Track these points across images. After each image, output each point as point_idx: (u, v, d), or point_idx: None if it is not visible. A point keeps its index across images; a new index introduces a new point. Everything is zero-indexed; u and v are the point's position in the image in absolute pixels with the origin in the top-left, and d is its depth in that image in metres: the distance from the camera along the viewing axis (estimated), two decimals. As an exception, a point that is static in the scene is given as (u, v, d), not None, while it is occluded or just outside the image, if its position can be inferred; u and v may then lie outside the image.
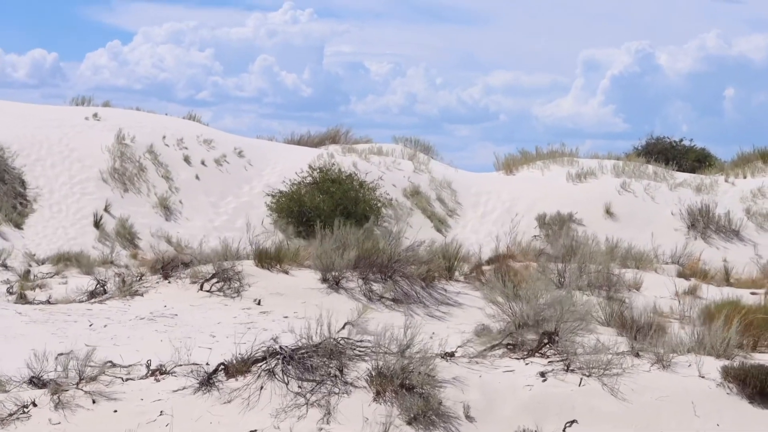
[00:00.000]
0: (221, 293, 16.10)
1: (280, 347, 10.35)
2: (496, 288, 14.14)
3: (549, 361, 10.75)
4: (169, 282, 16.41)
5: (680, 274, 21.12)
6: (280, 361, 10.16)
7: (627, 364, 10.65)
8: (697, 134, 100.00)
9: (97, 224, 27.56)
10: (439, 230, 30.65)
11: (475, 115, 77.13)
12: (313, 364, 10.15)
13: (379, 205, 30.52)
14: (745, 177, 34.99)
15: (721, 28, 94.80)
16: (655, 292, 18.70)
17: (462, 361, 10.62)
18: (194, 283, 16.26)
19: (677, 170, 37.96)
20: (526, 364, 10.76)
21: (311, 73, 74.40)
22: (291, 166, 31.02)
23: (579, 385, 10.24)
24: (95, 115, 31.87)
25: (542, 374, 10.37)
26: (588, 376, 10.37)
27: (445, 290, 17.15)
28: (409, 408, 9.66)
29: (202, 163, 30.61)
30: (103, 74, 70.79)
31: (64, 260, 21.94)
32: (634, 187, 32.68)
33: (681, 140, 40.81)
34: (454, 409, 9.81)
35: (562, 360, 10.62)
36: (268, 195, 29.98)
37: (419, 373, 9.90)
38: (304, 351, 10.26)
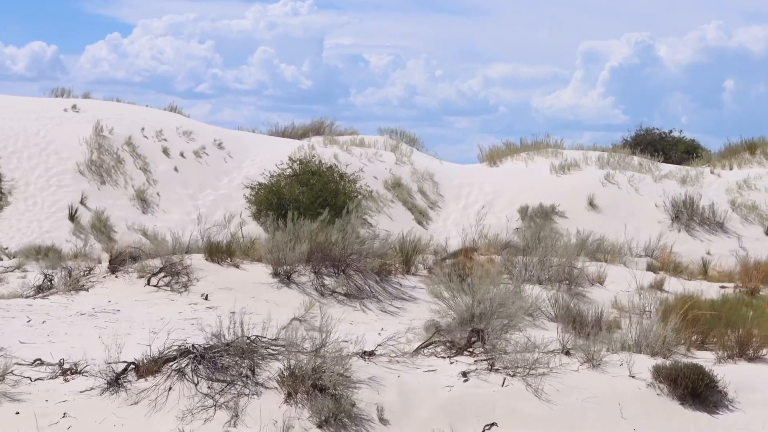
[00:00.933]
0: (168, 288, 15.63)
1: (193, 346, 9.89)
2: (441, 282, 13.65)
3: (476, 360, 10.28)
4: (116, 276, 15.95)
5: (650, 268, 20.60)
6: (191, 360, 9.70)
7: (555, 363, 10.18)
8: (697, 126, 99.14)
9: (72, 217, 27.13)
10: (420, 222, 30.18)
11: (475, 107, 76.63)
12: (224, 363, 9.68)
13: (359, 197, 30.02)
14: (731, 168, 34.43)
15: (721, 20, 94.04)
16: (621, 286, 18.18)
17: (382, 360, 10.16)
18: (141, 277, 15.80)
19: (666, 162, 37.44)
20: (451, 363, 10.29)
21: (311, 65, 74.06)
22: (271, 158, 30.56)
23: (502, 386, 9.77)
24: (74, 106, 31.44)
25: (464, 374, 9.91)
26: (512, 376, 9.90)
27: (401, 285, 16.67)
28: (321, 410, 9.20)
29: (181, 155, 30.16)
30: (103, 67, 70.49)
31: (34, 253, 21.49)
32: (618, 179, 32.15)
33: (671, 131, 40.30)
34: (367, 411, 9.35)
35: (486, 359, 10.14)
36: (247, 187, 29.50)
37: (333, 373, 9.42)
38: (216, 350, 9.79)
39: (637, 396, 9.81)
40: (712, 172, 33.62)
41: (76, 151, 29.05)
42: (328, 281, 16.06)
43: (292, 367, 9.51)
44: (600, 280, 17.98)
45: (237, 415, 9.23)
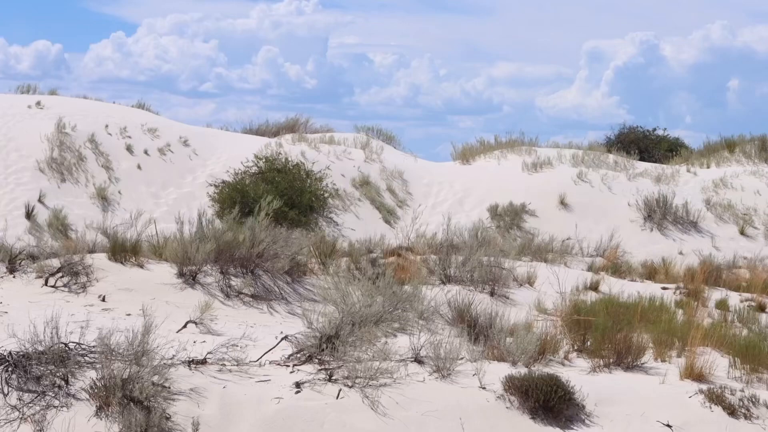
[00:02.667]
0: (66, 289, 14.86)
1: (9, 353, 9.09)
2: (329, 284, 12.84)
3: (320, 370, 9.44)
4: (14, 276, 15.20)
5: (591, 268, 19.70)
6: (2, 369, 8.91)
7: (402, 373, 9.33)
8: (701, 125, 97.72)
9: (29, 215, 26.42)
10: (387, 221, 29.35)
11: (479, 107, 75.66)
12: (38, 372, 8.89)
13: (326, 195, 29.22)
14: (708, 167, 33.41)
15: (726, 19, 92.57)
16: (555, 287, 17.23)
17: (211, 369, 9.33)
18: (40, 277, 15.04)
19: (649, 160, 36.44)
20: (291, 372, 9.45)
21: (315, 64, 73.24)
22: (237, 155, 29.79)
23: (337, 398, 8.93)
24: (38, 103, 30.75)
25: (298, 385, 9.10)
26: (350, 387, 9.07)
27: (314, 286, 15.84)
28: (131, 424, 8.39)
29: (145, 152, 29.43)
30: (107, 66, 69.96)
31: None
32: (590, 177, 31.21)
33: (654, 129, 39.26)
34: (183, 425, 8.54)
35: (323, 369, 9.31)
36: (211, 185, 28.75)
37: (148, 383, 8.62)
38: (31, 358, 8.99)
39: (483, 409, 8.96)
40: (688, 171, 32.63)
41: (37, 148, 28.36)
42: (236, 282, 15.29)
43: (105, 377, 8.71)
44: (530, 281, 17.11)
45: (42, 430, 8.45)
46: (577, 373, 10.15)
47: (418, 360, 9.68)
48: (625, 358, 10.25)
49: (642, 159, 36.59)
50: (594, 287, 17.62)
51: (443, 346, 9.61)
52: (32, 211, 26.45)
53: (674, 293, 18.07)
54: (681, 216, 30.09)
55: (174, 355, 9.28)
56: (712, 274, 19.17)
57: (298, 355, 9.79)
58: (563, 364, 10.41)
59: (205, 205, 28.39)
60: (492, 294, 16.06)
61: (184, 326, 13.04)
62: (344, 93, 76.72)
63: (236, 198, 28.18)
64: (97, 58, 70.46)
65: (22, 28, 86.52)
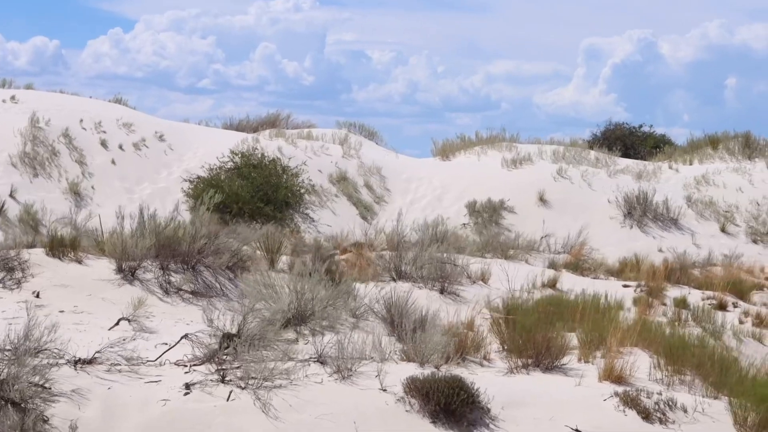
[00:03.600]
0: (1, 285, 14.38)
1: None
2: (257, 281, 12.37)
3: (217, 370, 8.96)
4: (-51, 272, 14.72)
5: (552, 265, 19.19)
6: None
7: (301, 374, 8.84)
8: (699, 123, 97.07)
9: (0, 210, 25.96)
10: (364, 217, 28.84)
11: (477, 104, 75.08)
12: None
13: (302, 191, 28.76)
14: (691, 164, 32.83)
15: (724, 18, 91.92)
16: (512, 284, 16.71)
17: (100, 369, 8.85)
18: (-26, 273, 14.55)
19: (634, 157, 35.87)
20: (187, 372, 8.97)
21: (313, 61, 72.76)
22: (214, 151, 29.33)
23: (227, 400, 8.44)
24: (13, 97, 30.30)
25: (188, 386, 8.61)
26: (243, 389, 8.57)
27: (257, 282, 15.31)
28: (5, 426, 7.91)
29: (120, 147, 28.97)
30: (105, 62, 69.55)
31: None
32: (570, 174, 30.67)
33: (641, 126, 38.68)
34: (60, 428, 8.05)
35: (219, 369, 8.82)
36: (186, 181, 28.30)
37: (27, 384, 8.14)
38: None
39: (381, 412, 8.47)
40: (670, 167, 32.06)
41: (9, 143, 27.91)
42: (176, 278, 14.80)
43: (-19, 378, 8.24)
44: (484, 278, 16.60)
45: None
46: (493, 375, 9.67)
47: (321, 360, 9.19)
48: (544, 359, 9.74)
49: (628, 156, 36.05)
50: (552, 284, 17.11)
51: (347, 346, 9.12)
52: (2, 206, 26.00)
53: (635, 291, 17.56)
54: (661, 213, 29.55)
55: (62, 354, 8.80)
56: (675, 271, 18.62)
57: (198, 355, 9.30)
58: (482, 365, 9.92)
59: (180, 200, 28.03)
60: (442, 291, 15.55)
61: (117, 324, 12.57)
62: (342, 90, 76.27)
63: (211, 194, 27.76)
64: (94, 55, 70.10)
65: (20, 24, 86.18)
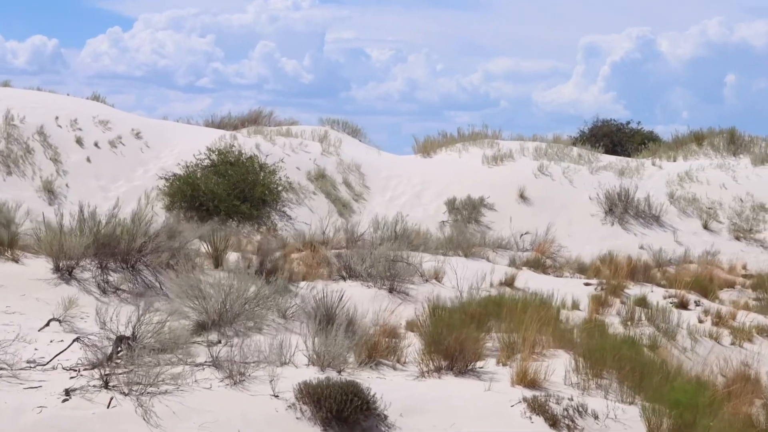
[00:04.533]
0: (-67, 285, 13.89)
1: None
2: (181, 281, 11.86)
3: (102, 375, 8.44)
4: None
5: (513, 263, 18.63)
6: None
7: (190, 379, 8.32)
8: (698, 120, 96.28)
9: (-29, 208, 25.47)
10: (342, 215, 28.28)
11: (476, 102, 74.46)
12: None
13: (279, 188, 28.24)
14: (675, 160, 32.20)
15: (723, 15, 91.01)
16: (465, 282, 16.15)
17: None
18: None
19: (622, 153, 35.28)
20: (72, 377, 8.45)
21: (312, 59, 72.26)
22: (191, 148, 28.82)
23: (108, 407, 7.92)
24: (-12, 95, 29.86)
25: (68, 392, 8.09)
26: (126, 395, 8.05)
27: (201, 282, 14.80)
28: None
29: (96, 144, 28.49)
30: (104, 61, 69.14)
31: None
32: (552, 170, 30.09)
33: (628, 123, 38.05)
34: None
35: (101, 374, 8.30)
36: (162, 178, 27.80)
37: None
38: None
39: (270, 420, 7.95)
40: (653, 164, 31.46)
41: (-17, 141, 27.47)
42: (114, 277, 14.29)
43: None
44: (437, 277, 16.05)
45: None
46: (403, 378, 9.14)
47: (216, 364, 8.67)
48: (458, 362, 9.20)
49: (615, 152, 35.48)
50: (509, 282, 16.57)
51: (241, 349, 8.60)
52: (-26, 204, 25.53)
53: (595, 289, 17.00)
54: (643, 210, 28.97)
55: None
56: (639, 269, 18.04)
57: (92, 359, 8.79)
58: (395, 368, 9.38)
59: (156, 198, 27.58)
60: (391, 290, 15.02)
61: (47, 324, 12.09)
62: (341, 88, 75.73)
63: (187, 191, 27.29)
64: (93, 54, 69.69)
65: (19, 24, 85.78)
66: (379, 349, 9.46)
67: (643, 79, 71.93)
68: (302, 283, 15.35)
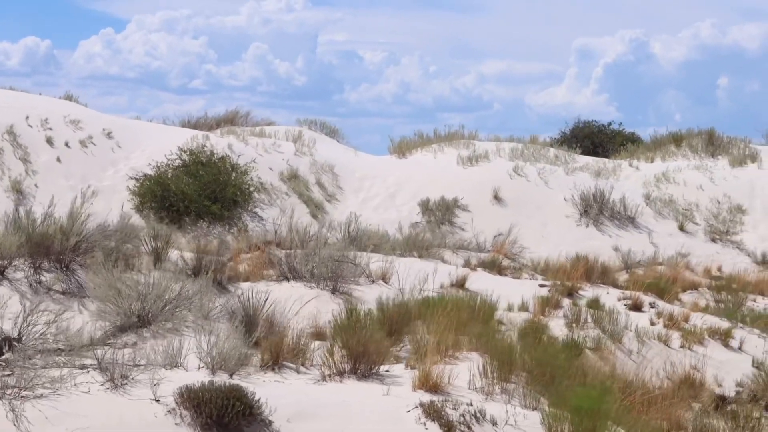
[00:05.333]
0: None
1: None
2: (99, 281, 11.45)
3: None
4: None
5: (466, 263, 18.19)
6: None
7: (70, 382, 7.89)
8: (690, 123, 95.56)
9: (-63, 208, 25.09)
10: (315, 216, 27.84)
11: (469, 104, 74.02)
12: None
13: (251, 189, 27.81)
14: (653, 161, 31.74)
15: (716, 17, 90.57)
16: (417, 283, 15.66)
17: None
18: None
19: (603, 154, 34.84)
20: (-50, 381, 8.02)
21: (305, 61, 71.89)
22: (163, 148, 28.38)
23: (-24, 411, 7.49)
24: (-41, 95, 29.49)
25: (-65, 397, 7.65)
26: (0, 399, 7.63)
27: (139, 282, 14.37)
28: None
29: (66, 144, 28.10)
30: (96, 62, 68.77)
31: None
32: (527, 171, 29.64)
33: (610, 124, 37.60)
34: None
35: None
36: (132, 178, 27.36)
37: None
38: None
39: (147, 425, 7.53)
40: (630, 165, 31.01)
41: (-49, 140, 27.09)
42: (47, 277, 13.89)
43: None
44: (385, 278, 15.62)
45: None
46: (304, 383, 8.71)
47: (102, 368, 8.25)
48: (361, 366, 8.77)
49: (596, 153, 35.05)
50: (460, 284, 16.13)
51: (133, 351, 8.18)
52: (-60, 204, 25.15)
53: (549, 291, 16.54)
54: (618, 211, 28.53)
55: None
56: (596, 270, 17.59)
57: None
58: (298, 372, 8.95)
59: (126, 198, 27.16)
60: (334, 291, 14.59)
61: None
62: (334, 90, 75.34)
63: (157, 192, 26.88)
64: (86, 55, 69.34)
65: (12, 25, 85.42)
66: (284, 352, 9.03)
67: (636, 81, 71.53)
68: (244, 284, 14.95)
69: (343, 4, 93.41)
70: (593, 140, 35.75)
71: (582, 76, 73.82)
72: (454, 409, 7.92)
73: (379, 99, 75.14)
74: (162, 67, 70.40)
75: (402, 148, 31.71)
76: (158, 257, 15.15)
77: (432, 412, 7.85)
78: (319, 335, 11.18)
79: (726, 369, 13.99)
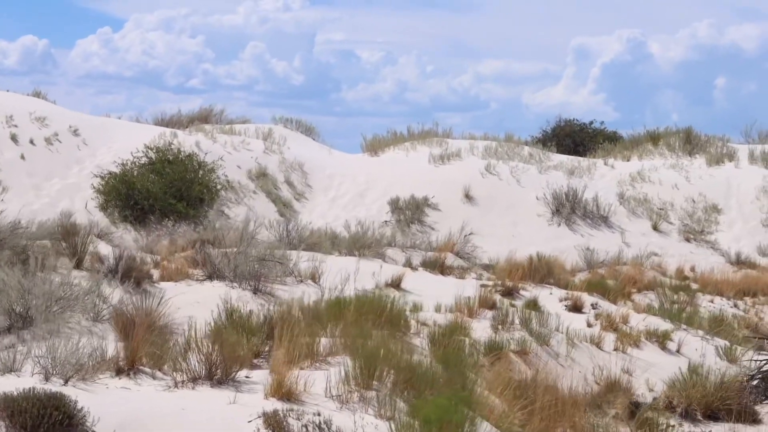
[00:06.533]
0: None
1: None
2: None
3: None
4: None
5: (407, 263, 17.50)
6: None
7: None
8: (688, 123, 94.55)
9: None
10: (282, 215, 27.19)
11: (466, 104, 73.19)
12: None
13: (218, 187, 27.16)
14: (628, 160, 30.98)
15: (714, 18, 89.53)
16: (349, 282, 14.95)
17: None
18: None
19: (584, 153, 34.08)
20: None
21: (302, 60, 71.16)
22: (129, 146, 27.77)
23: None
24: (-77, 92, 28.94)
25: None
26: None
27: (52, 282, 13.72)
28: None
29: (31, 142, 27.52)
30: (94, 61, 68.24)
31: None
32: (499, 170, 28.93)
33: (591, 122, 36.83)
34: None
35: None
36: (97, 176, 26.74)
37: None
38: None
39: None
40: (605, 164, 30.25)
41: None
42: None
43: None
44: (314, 278, 14.95)
45: None
46: (154, 389, 8.03)
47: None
48: (216, 371, 8.10)
49: (577, 152, 34.29)
50: (395, 283, 15.45)
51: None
52: None
53: (490, 291, 15.83)
54: (591, 210, 27.80)
55: None
56: (539, 270, 16.87)
57: None
58: (154, 377, 8.28)
59: (90, 196, 26.57)
60: (255, 291, 13.93)
61: None
62: (331, 89, 74.64)
63: (122, 190, 26.27)
64: (83, 54, 68.77)
65: (9, 24, 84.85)
66: (139, 356, 8.36)
67: (634, 81, 70.62)
68: (166, 284, 14.33)
69: (341, 3, 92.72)
70: (574, 139, 35.01)
71: (579, 76, 72.93)
72: (298, 419, 7.24)
73: (377, 98, 74.45)
74: (159, 66, 69.85)
75: (374, 147, 31.03)
76: (77, 257, 14.47)
77: (273, 423, 7.17)
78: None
79: (660, 373, 13.26)
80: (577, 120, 36.50)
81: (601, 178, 29.45)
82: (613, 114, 68.82)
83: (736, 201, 28.32)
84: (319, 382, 7.88)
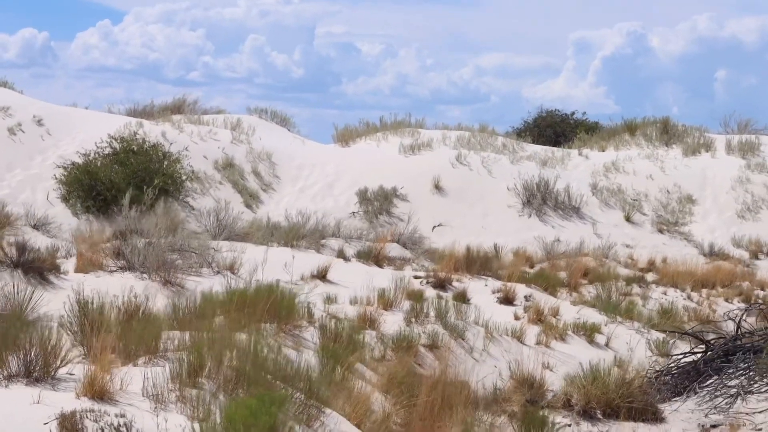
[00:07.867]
0: None
1: None
2: None
3: None
4: None
5: (339, 254, 16.75)
6: None
7: None
8: (688, 116, 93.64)
9: None
10: (249, 206, 26.51)
11: (466, 97, 72.42)
12: None
13: (183, 178, 26.47)
14: (604, 150, 30.12)
15: (713, 10, 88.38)
16: (268, 274, 14.22)
17: None
18: None
19: (565, 144, 33.24)
20: None
21: (302, 53, 70.57)
22: (94, 136, 27.11)
23: None
24: None
25: None
26: None
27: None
28: None
29: (-7, 132, 26.88)
30: (94, 54, 67.74)
31: None
32: (470, 160, 28.14)
33: (573, 113, 35.97)
34: None
35: None
36: (59, 167, 26.08)
37: None
38: None
39: None
40: (580, 154, 29.40)
41: None
42: None
43: None
44: (232, 269, 14.22)
45: None
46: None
47: None
48: (35, 368, 7.37)
49: (558, 143, 33.47)
50: (321, 275, 14.71)
51: None
52: None
53: (421, 283, 15.09)
54: (563, 201, 26.99)
55: None
56: (476, 261, 16.10)
57: None
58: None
59: (52, 187, 25.92)
60: (165, 283, 13.20)
61: None
62: (331, 82, 73.96)
63: (85, 181, 25.62)
64: (83, 47, 68.29)
65: (9, 17, 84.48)
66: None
67: (634, 74, 69.71)
68: (75, 275, 13.63)
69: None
70: (555, 129, 34.17)
71: (580, 69, 72.07)
72: (96, 421, 6.50)
73: (377, 91, 73.73)
74: (159, 59, 69.35)
75: (345, 137, 30.27)
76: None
77: (69, 425, 6.44)
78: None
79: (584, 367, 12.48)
80: (559, 111, 35.69)
81: (574, 168, 28.64)
82: (614, 107, 67.98)
83: (711, 191, 27.48)
84: (139, 381, 7.14)
